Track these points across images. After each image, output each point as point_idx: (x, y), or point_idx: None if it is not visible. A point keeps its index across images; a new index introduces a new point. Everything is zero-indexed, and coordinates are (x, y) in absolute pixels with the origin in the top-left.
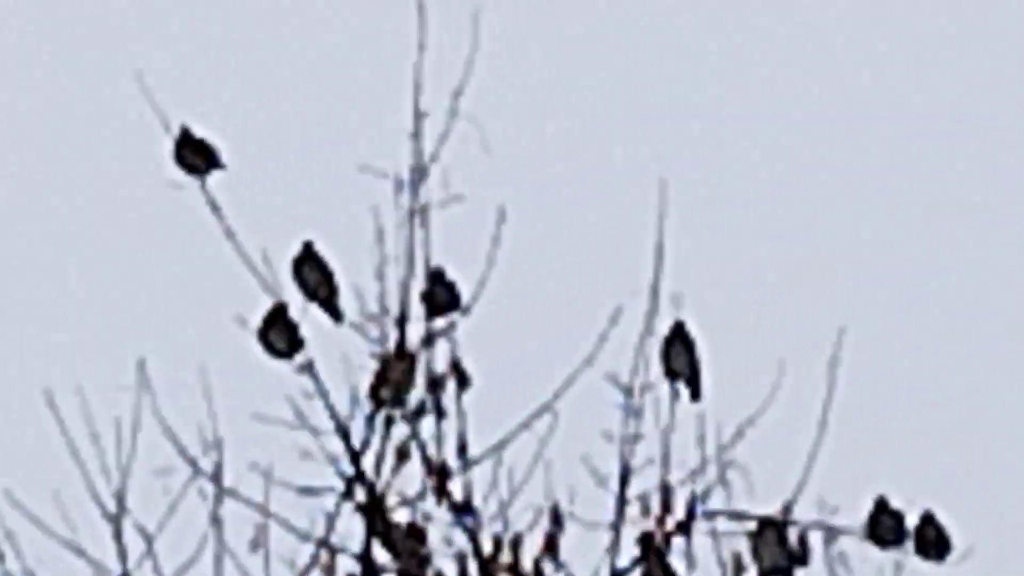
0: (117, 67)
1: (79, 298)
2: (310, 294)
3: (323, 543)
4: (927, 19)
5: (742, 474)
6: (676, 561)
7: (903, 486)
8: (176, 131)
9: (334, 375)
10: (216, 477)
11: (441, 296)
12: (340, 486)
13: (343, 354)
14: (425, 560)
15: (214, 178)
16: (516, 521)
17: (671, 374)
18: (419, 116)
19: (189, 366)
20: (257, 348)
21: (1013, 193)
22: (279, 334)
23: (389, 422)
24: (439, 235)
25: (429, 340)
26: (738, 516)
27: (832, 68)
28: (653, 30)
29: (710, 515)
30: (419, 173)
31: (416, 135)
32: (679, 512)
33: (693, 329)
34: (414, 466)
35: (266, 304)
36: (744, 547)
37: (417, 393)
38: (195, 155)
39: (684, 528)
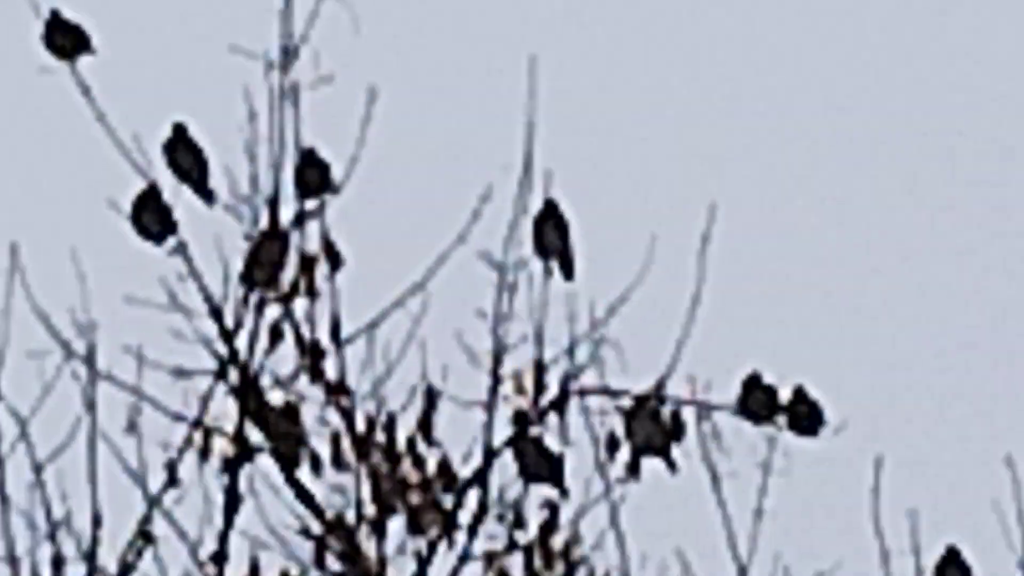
0: None
1: None
2: (182, 176)
3: (197, 424)
4: None
5: (615, 351)
6: (550, 439)
7: (775, 362)
8: (46, 15)
9: (207, 257)
10: (89, 360)
11: (313, 176)
12: (214, 367)
13: (215, 236)
14: (299, 440)
15: (84, 62)
16: (390, 400)
17: (543, 252)
18: None
19: (62, 249)
20: (130, 231)
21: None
22: (151, 216)
23: (262, 303)
24: (310, 115)
25: (300, 220)
26: (611, 393)
27: None
28: None
29: (583, 393)
30: (289, 53)
31: (286, 15)
32: (553, 390)
33: (564, 207)
34: (287, 347)
35: (138, 187)
36: (618, 424)
37: (289, 273)
38: (65, 39)
39: (558, 406)
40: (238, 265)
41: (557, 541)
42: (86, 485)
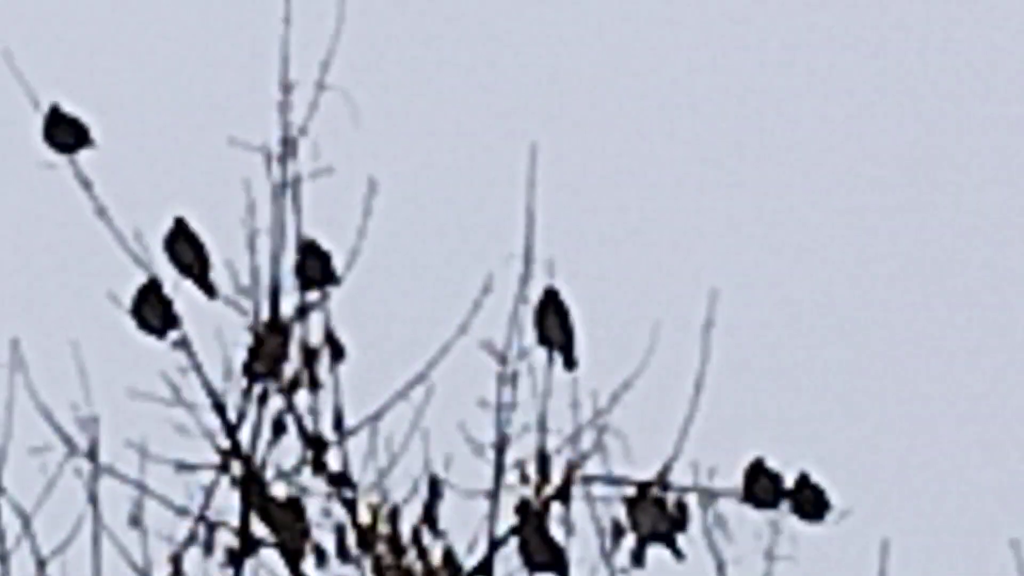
0: None
1: None
2: (183, 270)
3: (201, 518)
4: None
5: (618, 439)
6: (554, 528)
7: (779, 448)
8: (46, 109)
9: (208, 350)
10: (92, 455)
11: (314, 268)
12: (217, 460)
13: (217, 329)
14: (303, 533)
15: (85, 156)
16: (394, 491)
17: (545, 341)
18: (287, 88)
19: (63, 344)
20: (131, 325)
21: (876, 161)
22: (152, 310)
23: (264, 396)
24: (310, 207)
25: (302, 312)
26: (615, 481)
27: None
28: None
29: (587, 481)
30: (288, 145)
31: (284, 107)
32: (556, 479)
33: (565, 295)
34: (290, 439)
35: (139, 281)
36: (622, 513)
37: (292, 366)
38: (65, 133)
39: (562, 495)
40: (240, 358)
41: None
42: None
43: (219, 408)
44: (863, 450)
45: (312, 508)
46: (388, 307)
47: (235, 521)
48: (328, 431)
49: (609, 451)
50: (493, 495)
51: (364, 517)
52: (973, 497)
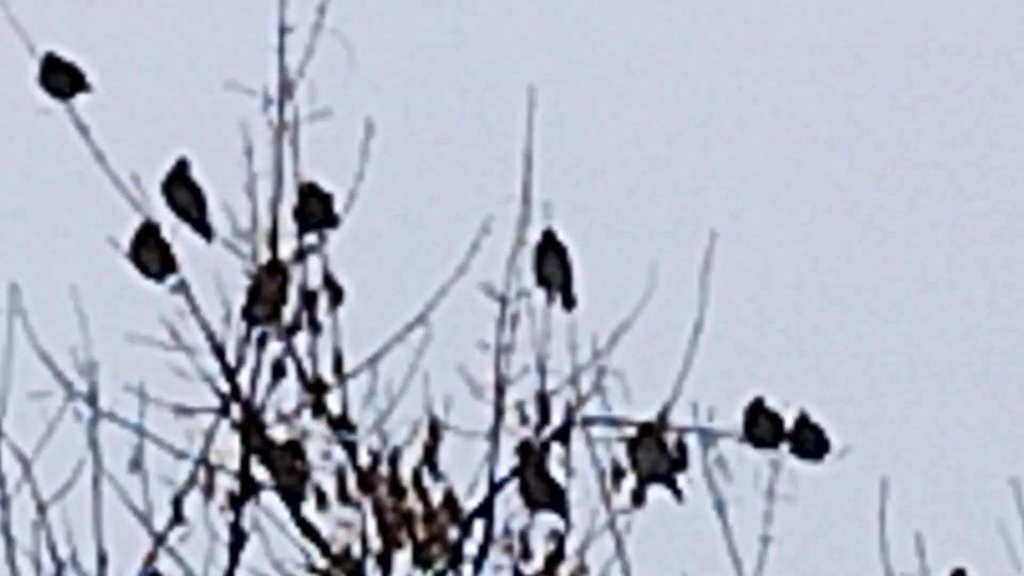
0: None
1: None
2: (181, 213)
3: (201, 462)
4: None
5: (618, 380)
6: (554, 469)
7: (779, 388)
8: (41, 55)
9: (207, 294)
10: (92, 399)
11: (312, 210)
12: (216, 404)
13: (215, 272)
14: (303, 476)
15: (81, 101)
16: (394, 434)
17: (544, 282)
18: (284, 31)
19: (62, 289)
20: (129, 269)
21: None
22: (151, 254)
23: (263, 339)
24: (307, 150)
25: (301, 255)
26: (615, 423)
27: None
28: None
29: (587, 422)
30: (285, 88)
31: (281, 51)
32: (556, 420)
33: (563, 236)
34: (290, 382)
35: (137, 225)
36: (622, 454)
37: (291, 309)
38: (61, 79)
39: (561, 436)
40: (239, 301)
41: (563, 571)
42: (91, 525)
43: (218, 352)
44: (863, 390)
45: (312, 451)
46: (387, 249)
47: (235, 464)
48: (328, 374)
49: (609, 392)
50: (493, 437)
51: (364, 460)
52: (973, 436)
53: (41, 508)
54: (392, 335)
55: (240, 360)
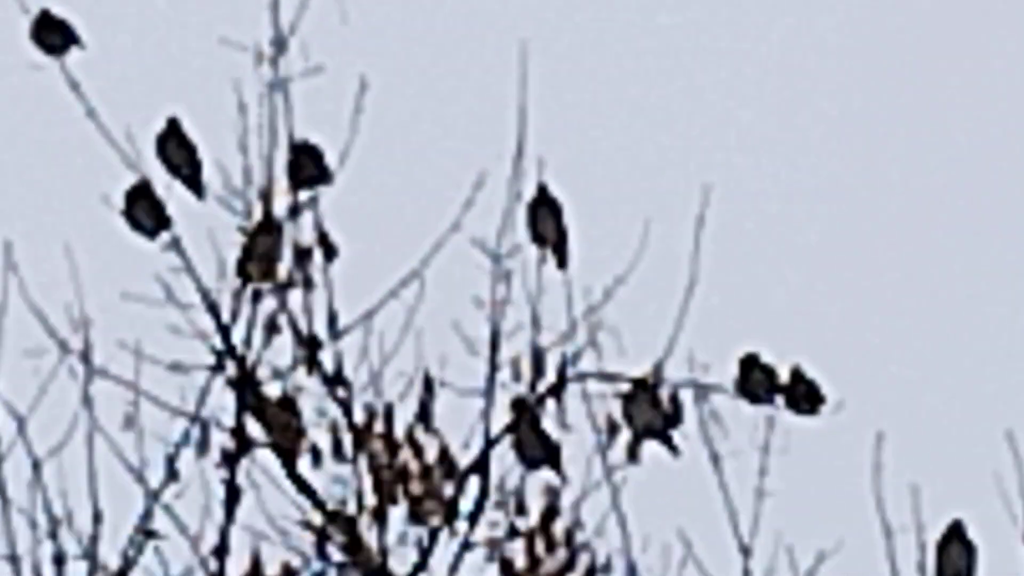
0: None
1: None
2: (174, 171)
3: (195, 419)
4: None
5: (612, 335)
6: (549, 425)
7: (773, 342)
8: (34, 12)
9: (201, 251)
10: (86, 356)
11: (306, 167)
12: (210, 361)
13: (209, 229)
14: (298, 432)
15: (73, 58)
16: (388, 390)
17: (538, 238)
18: None
19: (56, 247)
20: (123, 226)
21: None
22: (144, 211)
23: (257, 296)
24: (301, 107)
25: (294, 212)
26: (609, 378)
27: None
28: None
29: (581, 378)
30: (279, 45)
31: (274, 6)
32: (550, 376)
33: (557, 192)
34: (284, 339)
35: (131, 182)
36: (617, 409)
37: (284, 265)
38: (53, 36)
39: (556, 392)
40: (233, 258)
41: (559, 527)
42: (86, 482)
43: (212, 309)
44: (857, 343)
45: (306, 408)
46: (380, 205)
47: (229, 421)
48: (322, 330)
49: (603, 347)
50: (487, 393)
51: (359, 416)
52: (968, 389)
53: (36, 466)
54: (386, 291)
55: (234, 317)
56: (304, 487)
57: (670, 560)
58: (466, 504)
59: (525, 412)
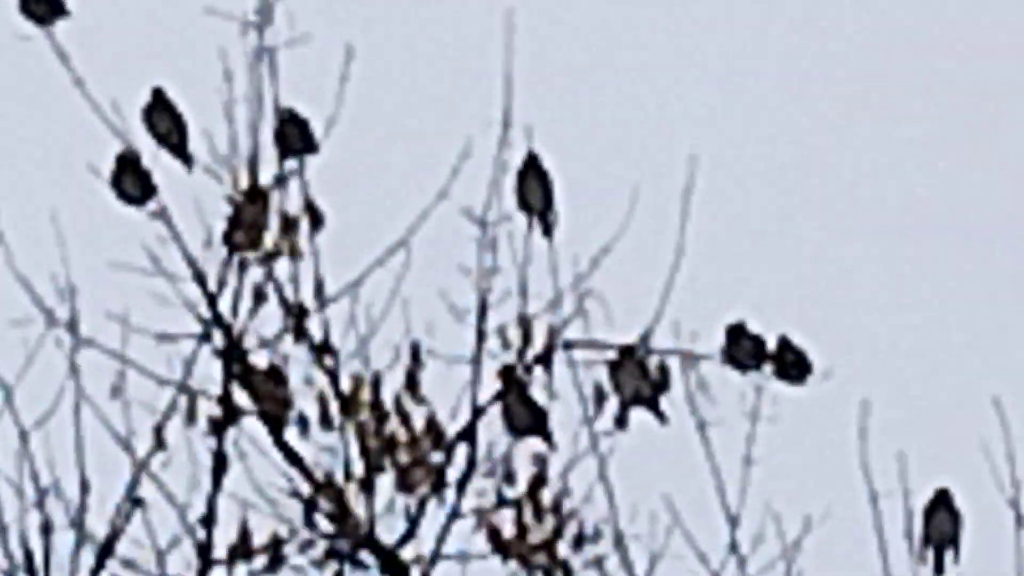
0: None
1: None
2: (161, 140)
3: (182, 388)
4: None
5: (599, 303)
6: (537, 393)
7: (760, 311)
8: None
9: (188, 220)
10: (72, 326)
11: (292, 136)
12: (198, 330)
13: (196, 198)
14: (285, 401)
15: (60, 26)
16: (376, 359)
17: (525, 207)
18: None
19: (42, 216)
20: (110, 195)
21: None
22: (131, 181)
23: (244, 265)
24: (287, 75)
25: (281, 180)
26: (597, 346)
27: None
28: None
29: (569, 346)
30: (264, 13)
31: None
32: (538, 344)
33: (545, 160)
34: (271, 308)
35: (117, 151)
36: (605, 377)
37: (271, 234)
38: (40, 5)
39: (544, 360)
40: (220, 228)
41: (546, 495)
42: (73, 452)
43: (199, 278)
44: (843, 311)
45: (294, 376)
46: (367, 174)
47: (217, 390)
48: (309, 299)
49: (590, 316)
50: (475, 361)
51: (346, 385)
52: (954, 356)
53: (23, 435)
54: (373, 260)
55: (221, 286)
56: (292, 456)
57: (657, 528)
58: (454, 473)
59: (513, 381)
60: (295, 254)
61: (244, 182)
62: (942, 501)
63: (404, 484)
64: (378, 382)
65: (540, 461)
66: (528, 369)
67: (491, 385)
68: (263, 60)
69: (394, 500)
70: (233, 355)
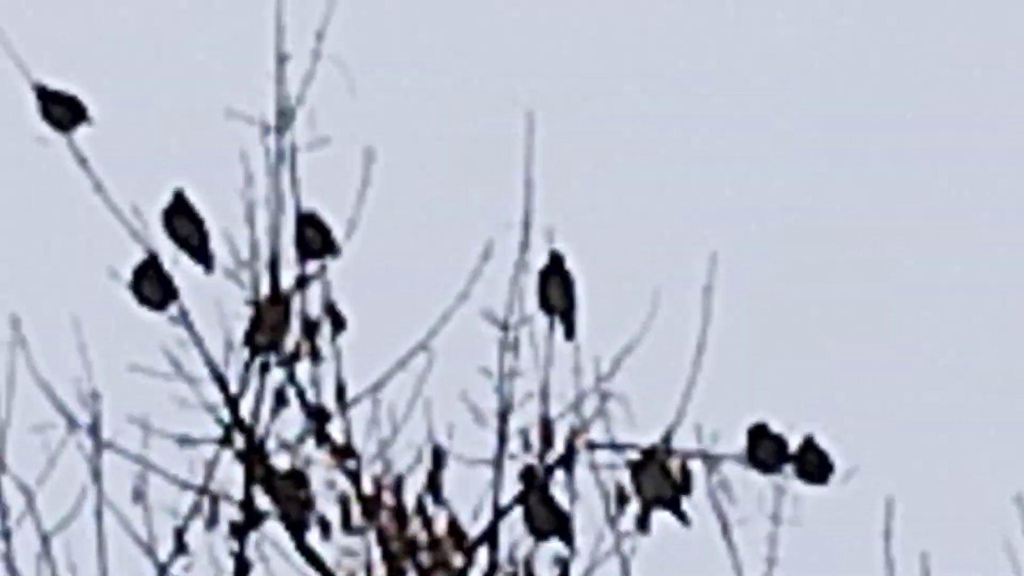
0: None
1: None
2: (181, 244)
3: (204, 491)
4: None
5: (621, 405)
6: (559, 495)
7: (782, 411)
8: (41, 89)
9: (209, 324)
10: (94, 430)
11: (313, 239)
12: (219, 434)
13: (217, 302)
14: (307, 504)
15: (81, 132)
16: (397, 461)
17: (547, 307)
18: (282, 59)
19: (63, 321)
20: (130, 300)
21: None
22: (152, 285)
23: (265, 368)
24: (307, 178)
25: (302, 283)
26: (619, 447)
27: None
28: None
29: (591, 448)
30: (285, 116)
31: (279, 78)
32: (560, 446)
33: (566, 260)
34: (293, 411)
35: (137, 255)
36: (626, 479)
37: (292, 337)
38: (61, 111)
39: (565, 462)
40: (241, 331)
41: None
42: (95, 556)
43: (220, 381)
44: (866, 411)
45: (315, 479)
46: (388, 277)
47: (238, 494)
48: (330, 402)
49: (612, 417)
50: (497, 463)
51: (368, 488)
52: (977, 455)
53: (45, 539)
54: (394, 362)
55: (242, 389)
56: (313, 559)
57: None
58: (476, 575)
59: (534, 483)
60: (316, 357)
61: (265, 285)
62: None
63: None
64: (400, 484)
65: (562, 564)
66: (550, 471)
67: (513, 487)
68: (283, 163)
69: None
70: (254, 458)
